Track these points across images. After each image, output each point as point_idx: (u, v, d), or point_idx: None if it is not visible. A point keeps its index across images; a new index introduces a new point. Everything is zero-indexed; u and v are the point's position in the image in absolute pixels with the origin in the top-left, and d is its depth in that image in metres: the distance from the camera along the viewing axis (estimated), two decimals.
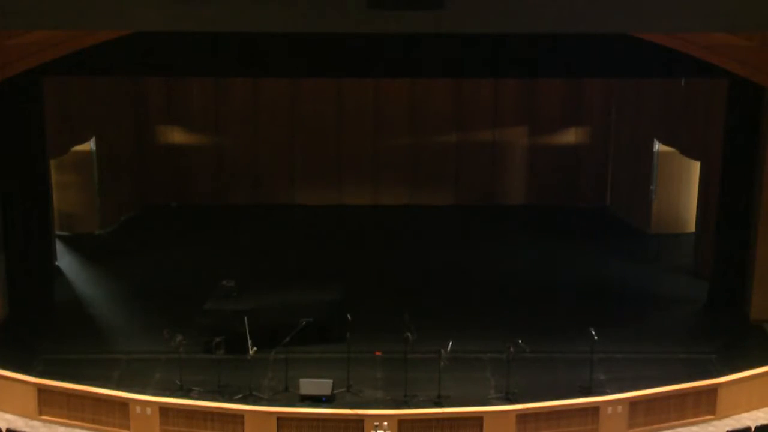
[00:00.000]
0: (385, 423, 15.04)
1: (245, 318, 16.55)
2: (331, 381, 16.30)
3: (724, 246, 19.60)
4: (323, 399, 16.07)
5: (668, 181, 23.93)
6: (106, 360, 17.65)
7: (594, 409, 15.54)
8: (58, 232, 22.85)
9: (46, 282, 20.08)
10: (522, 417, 15.38)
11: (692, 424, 15.98)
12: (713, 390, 16.07)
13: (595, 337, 16.43)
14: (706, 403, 16.04)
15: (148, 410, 15.45)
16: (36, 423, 15.87)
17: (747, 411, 16.32)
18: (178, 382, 16.50)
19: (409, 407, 15.86)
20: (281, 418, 15.28)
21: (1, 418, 15.92)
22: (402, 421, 15.21)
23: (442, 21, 12.05)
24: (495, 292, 20.66)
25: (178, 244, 23.54)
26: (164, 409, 15.47)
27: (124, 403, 15.55)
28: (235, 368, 16.63)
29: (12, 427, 15.37)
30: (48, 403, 15.90)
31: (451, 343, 16.34)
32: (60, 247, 22.50)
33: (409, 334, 16.42)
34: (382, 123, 25.75)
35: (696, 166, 22.26)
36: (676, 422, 15.92)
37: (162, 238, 24.00)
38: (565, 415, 15.49)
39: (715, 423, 16.01)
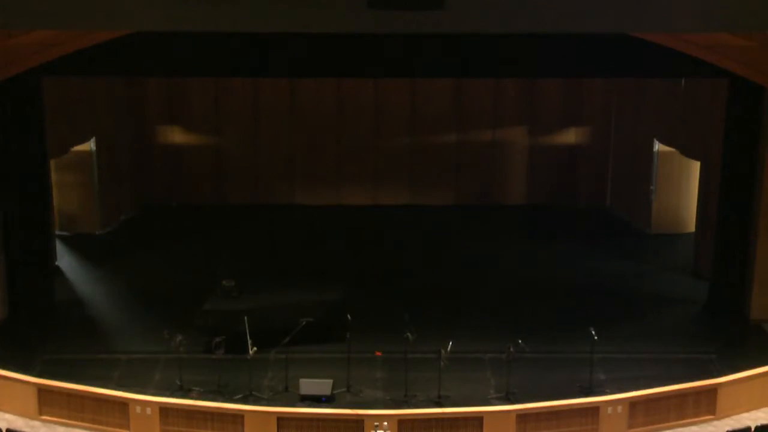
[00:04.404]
0: (385, 423, 15.05)
1: (245, 318, 16.55)
2: (331, 381, 16.30)
3: (724, 246, 19.61)
4: (323, 399, 16.07)
5: (668, 181, 23.93)
6: (106, 360, 17.66)
7: (594, 409, 15.55)
8: (58, 232, 22.85)
9: (46, 282, 20.09)
10: (522, 417, 15.38)
11: (692, 424, 15.98)
12: (713, 390, 16.08)
13: (595, 337, 16.43)
14: (706, 403, 16.04)
15: (148, 410, 15.45)
16: (36, 423, 15.88)
17: (747, 411, 16.32)
18: (178, 382, 16.50)
19: (409, 407, 15.86)
20: (281, 418, 15.29)
21: (1, 418, 15.93)
22: (402, 421, 15.22)
23: (442, 21, 12.05)
24: (495, 291, 20.65)
25: (178, 244, 23.54)
26: (164, 409, 15.47)
27: (124, 403, 15.56)
28: (235, 368, 16.63)
29: (12, 427, 15.37)
30: (48, 403, 15.90)
31: (451, 343, 16.33)
32: (60, 247, 22.49)
33: (409, 334, 16.43)
34: (382, 123, 25.74)
35: (696, 166, 22.25)
36: (676, 422, 15.93)
37: (162, 238, 24.00)
38: (565, 415, 15.50)
39: (715, 423, 16.01)
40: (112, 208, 24.47)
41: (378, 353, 17.71)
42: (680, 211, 24.00)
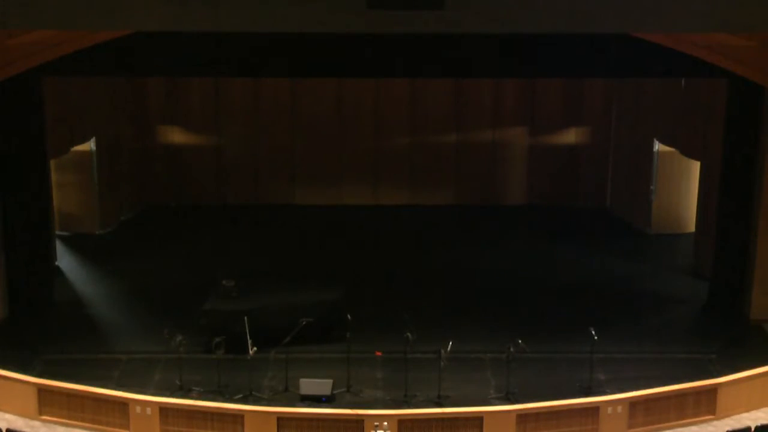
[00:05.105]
0: (385, 423, 15.05)
1: (245, 318, 16.55)
2: (331, 381, 16.30)
3: (724, 246, 19.59)
4: (323, 399, 16.07)
5: (668, 181, 23.92)
6: (106, 360, 17.66)
7: (594, 409, 15.55)
8: (58, 232, 22.84)
9: (46, 282, 20.07)
10: (522, 417, 15.38)
11: (692, 424, 15.98)
12: (713, 390, 16.07)
13: (595, 337, 16.44)
14: (706, 403, 16.04)
15: (148, 410, 15.45)
16: (36, 423, 15.88)
17: (747, 411, 16.32)
18: (178, 382, 16.50)
19: (409, 407, 15.86)
20: (281, 418, 15.29)
21: (1, 418, 15.93)
22: (402, 421, 15.21)
23: (442, 21, 12.07)
24: (495, 292, 20.64)
25: (178, 244, 23.54)
26: (164, 409, 15.47)
27: (124, 403, 15.55)
28: (235, 368, 16.63)
29: (12, 427, 15.37)
30: (48, 403, 15.90)
31: (451, 343, 16.34)
32: (60, 247, 22.49)
33: (409, 334, 16.43)
34: (382, 123, 25.74)
35: (696, 166, 22.26)
36: (676, 422, 15.93)
37: (162, 238, 24.00)
38: (565, 415, 15.50)
39: (715, 423, 16.01)
40: (112, 208, 24.46)
41: (378, 353, 17.71)
42: (680, 211, 24.00)
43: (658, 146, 23.71)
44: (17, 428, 15.32)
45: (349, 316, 17.09)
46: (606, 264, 22.24)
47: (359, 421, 15.19)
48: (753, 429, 14.85)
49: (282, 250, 22.99)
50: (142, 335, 18.42)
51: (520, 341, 16.27)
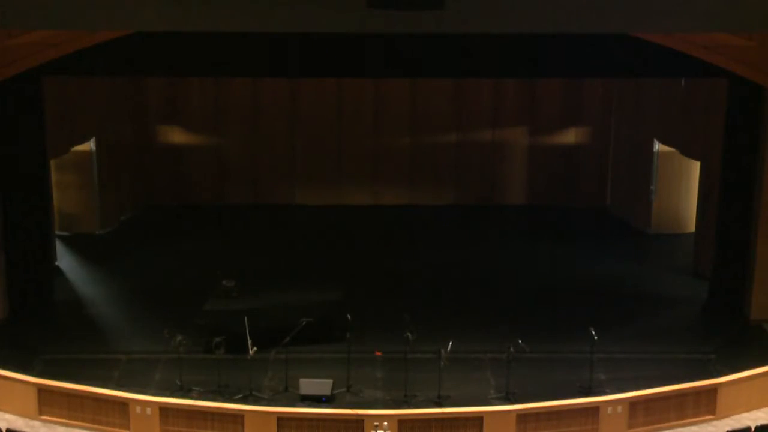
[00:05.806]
0: (385, 423, 15.05)
1: (245, 318, 16.55)
2: (331, 381, 16.30)
3: (724, 246, 19.60)
4: (323, 399, 16.07)
5: (668, 181, 23.93)
6: (106, 360, 17.65)
7: (594, 409, 15.55)
8: (58, 232, 22.83)
9: (46, 282, 20.08)
10: (522, 417, 15.39)
11: (692, 424, 15.99)
12: (713, 390, 16.08)
13: (595, 337, 16.44)
14: (705, 403, 16.05)
15: (148, 410, 15.46)
16: (36, 423, 15.88)
17: (747, 411, 16.33)
18: (178, 382, 16.50)
19: (409, 407, 15.86)
20: (281, 418, 15.29)
21: (1, 418, 15.93)
22: (402, 421, 15.22)
23: (442, 21, 12.07)
24: (495, 292, 20.65)
25: (178, 244, 23.54)
26: (164, 409, 15.47)
27: (124, 403, 15.56)
28: (235, 368, 16.62)
29: (12, 427, 15.37)
30: (48, 403, 15.90)
31: (451, 343, 16.34)
32: (60, 247, 22.48)
33: (409, 334, 16.42)
34: (382, 123, 25.74)
35: (696, 166, 22.26)
36: (676, 422, 15.93)
37: (162, 238, 24.00)
38: (565, 415, 15.50)
39: (715, 423, 16.02)
40: (112, 208, 24.46)
41: (378, 353, 17.70)
42: (680, 211, 24.01)
43: (658, 146, 23.72)
44: (17, 428, 15.32)
45: (349, 316, 17.10)
46: (606, 264, 22.24)
47: (359, 421, 15.19)
48: (753, 429, 14.85)
49: (282, 250, 22.99)
50: (142, 335, 18.42)
51: (520, 341, 16.28)
